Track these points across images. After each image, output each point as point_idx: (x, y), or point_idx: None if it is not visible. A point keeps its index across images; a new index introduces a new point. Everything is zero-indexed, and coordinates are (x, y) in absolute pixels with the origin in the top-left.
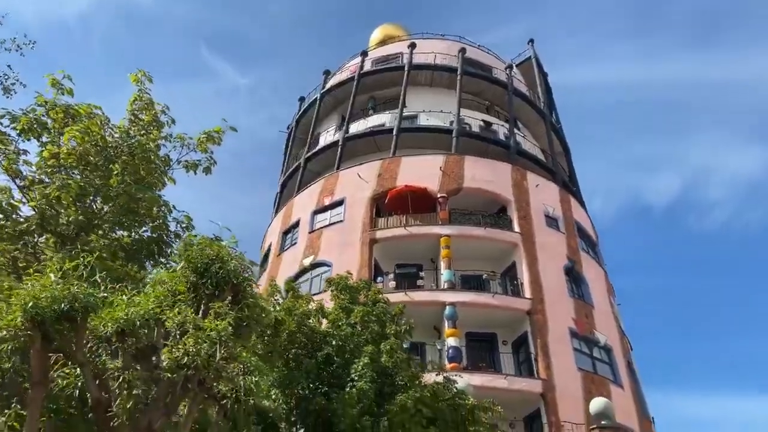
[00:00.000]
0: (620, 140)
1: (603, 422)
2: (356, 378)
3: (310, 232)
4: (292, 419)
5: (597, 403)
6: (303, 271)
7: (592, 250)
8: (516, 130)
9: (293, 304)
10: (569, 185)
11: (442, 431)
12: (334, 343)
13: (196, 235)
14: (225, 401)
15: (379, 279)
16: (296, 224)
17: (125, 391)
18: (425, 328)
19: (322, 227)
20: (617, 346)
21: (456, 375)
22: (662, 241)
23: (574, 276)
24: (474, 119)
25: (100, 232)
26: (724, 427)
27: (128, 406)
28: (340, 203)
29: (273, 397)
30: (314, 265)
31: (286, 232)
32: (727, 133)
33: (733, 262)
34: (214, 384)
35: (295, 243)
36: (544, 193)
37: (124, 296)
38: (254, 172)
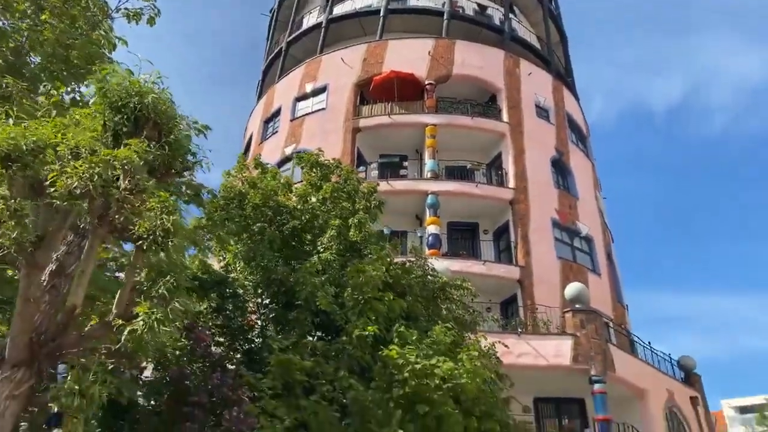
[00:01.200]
0: (624, 40)
1: (577, 306)
2: (321, 250)
3: (291, 120)
4: (259, 291)
5: (572, 288)
6: (285, 159)
7: (582, 143)
8: (512, 16)
9: (259, 179)
10: (563, 76)
11: (410, 306)
12: (301, 217)
13: (113, 65)
14: (141, 242)
15: (361, 168)
16: (277, 112)
17: (12, 221)
18: (407, 217)
19: (303, 115)
20: (598, 237)
21: (434, 259)
22: (661, 145)
23: (560, 167)
24: (468, 2)
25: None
26: (694, 323)
27: (14, 236)
28: (322, 90)
29: (239, 268)
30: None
31: (267, 121)
32: (736, 34)
33: (730, 168)
34: (122, 219)
35: (276, 131)
36: (536, 83)
37: (11, 119)
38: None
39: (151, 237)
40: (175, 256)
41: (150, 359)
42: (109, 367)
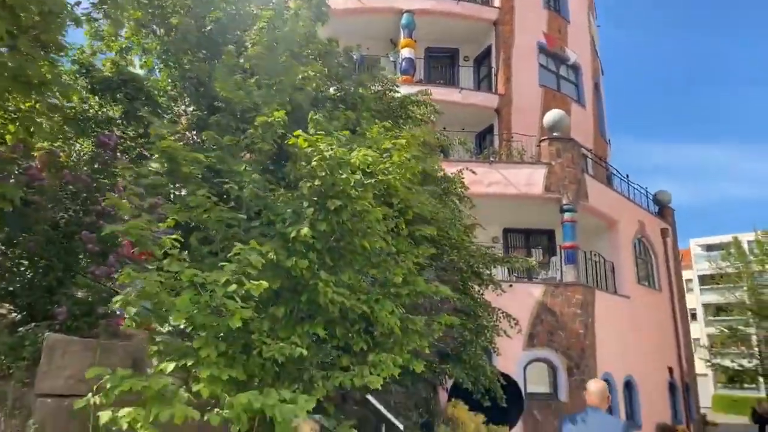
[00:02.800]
0: None
1: (554, 134)
2: (249, 46)
3: None
4: (177, 92)
5: (551, 115)
6: None
7: None
8: None
9: None
10: None
11: (366, 120)
12: (224, 7)
13: None
14: None
15: None
16: None
17: None
18: (379, 41)
19: None
20: (587, 67)
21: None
22: None
23: None
24: None
25: None
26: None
27: None
28: None
29: (157, 69)
30: None
31: None
32: None
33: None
34: None
35: None
36: None
37: None
38: None
39: None
40: None
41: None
42: None
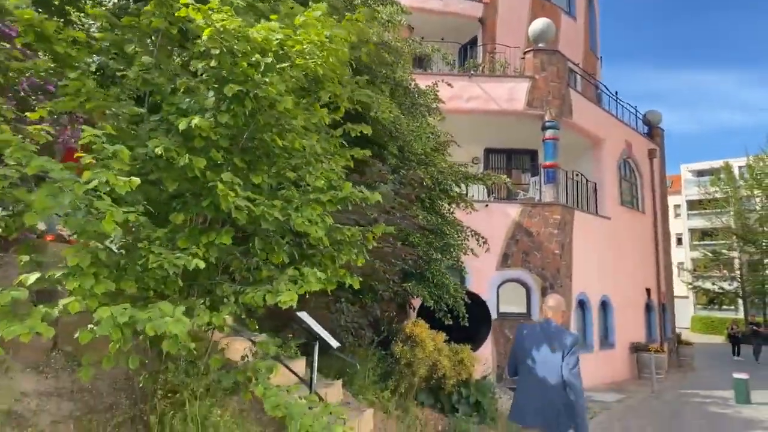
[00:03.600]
0: None
1: (540, 45)
2: None
3: None
4: None
5: (536, 25)
6: None
7: None
8: None
9: None
10: None
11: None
12: None
13: None
14: None
15: None
16: None
17: None
18: None
19: None
20: None
21: None
22: None
23: None
24: None
25: None
26: (671, 97)
27: None
28: None
29: None
30: None
31: None
32: None
33: None
34: None
35: None
36: None
37: None
38: None
39: None
40: None
41: None
42: None
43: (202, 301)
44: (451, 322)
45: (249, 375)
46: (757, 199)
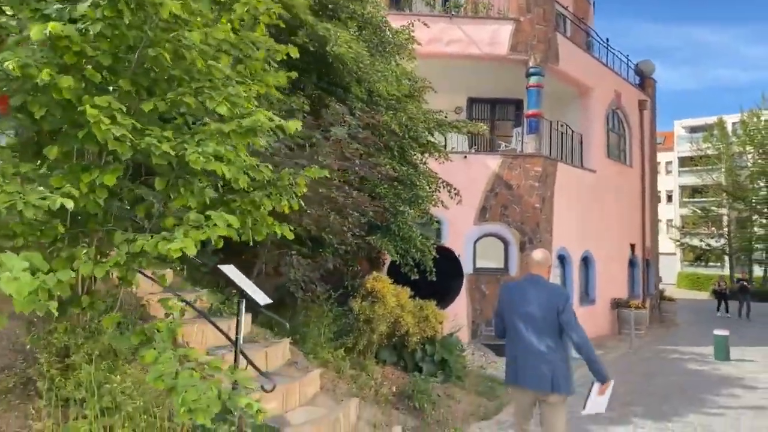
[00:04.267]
0: None
1: None
2: None
3: None
4: None
5: None
6: None
7: None
8: None
9: None
10: None
11: None
12: None
13: None
14: None
15: None
16: None
17: None
18: None
19: None
20: None
21: None
22: None
23: None
24: None
25: None
26: (672, 54)
27: None
28: None
29: None
30: None
31: None
32: None
33: None
34: None
35: None
36: None
37: None
38: None
39: None
40: None
41: None
42: None
43: (85, 250)
44: (417, 277)
45: (147, 336)
46: (749, 156)
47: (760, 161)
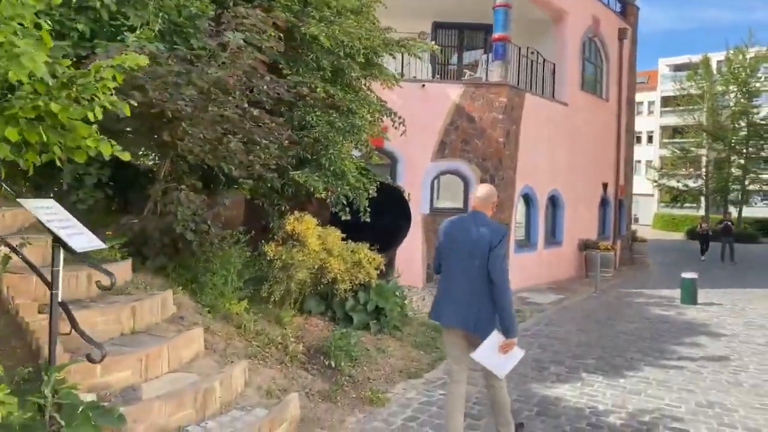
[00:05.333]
0: None
1: None
2: None
3: None
4: None
5: None
6: None
7: None
8: None
9: None
10: None
11: None
12: None
13: None
14: None
15: None
16: None
17: None
18: None
19: None
20: None
21: None
22: None
23: None
24: None
25: None
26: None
27: None
28: None
29: None
30: None
31: None
32: None
33: None
34: None
35: None
36: None
37: None
38: None
39: None
40: None
41: None
42: None
43: None
44: (348, 218)
45: None
46: (732, 95)
47: (742, 100)
